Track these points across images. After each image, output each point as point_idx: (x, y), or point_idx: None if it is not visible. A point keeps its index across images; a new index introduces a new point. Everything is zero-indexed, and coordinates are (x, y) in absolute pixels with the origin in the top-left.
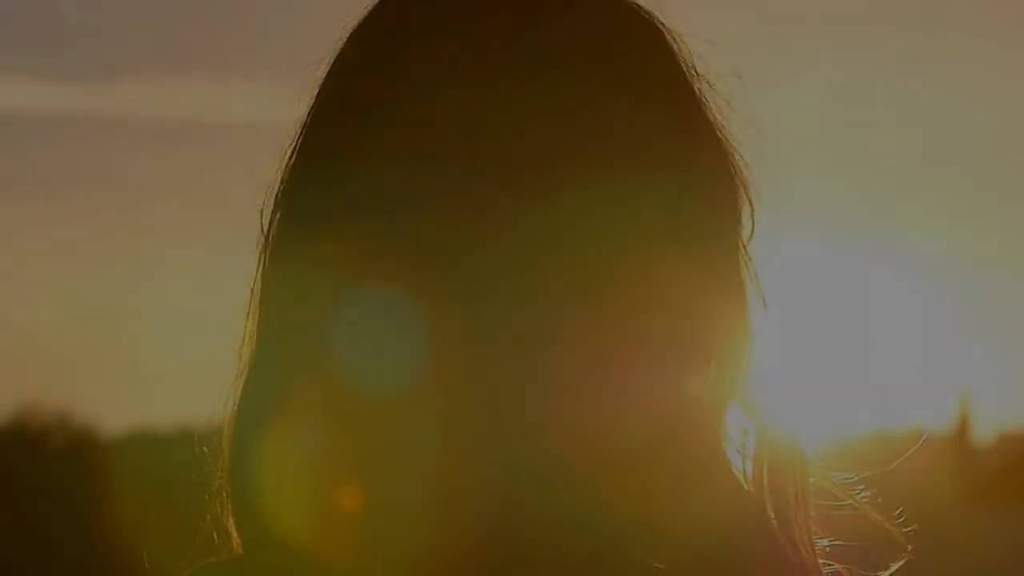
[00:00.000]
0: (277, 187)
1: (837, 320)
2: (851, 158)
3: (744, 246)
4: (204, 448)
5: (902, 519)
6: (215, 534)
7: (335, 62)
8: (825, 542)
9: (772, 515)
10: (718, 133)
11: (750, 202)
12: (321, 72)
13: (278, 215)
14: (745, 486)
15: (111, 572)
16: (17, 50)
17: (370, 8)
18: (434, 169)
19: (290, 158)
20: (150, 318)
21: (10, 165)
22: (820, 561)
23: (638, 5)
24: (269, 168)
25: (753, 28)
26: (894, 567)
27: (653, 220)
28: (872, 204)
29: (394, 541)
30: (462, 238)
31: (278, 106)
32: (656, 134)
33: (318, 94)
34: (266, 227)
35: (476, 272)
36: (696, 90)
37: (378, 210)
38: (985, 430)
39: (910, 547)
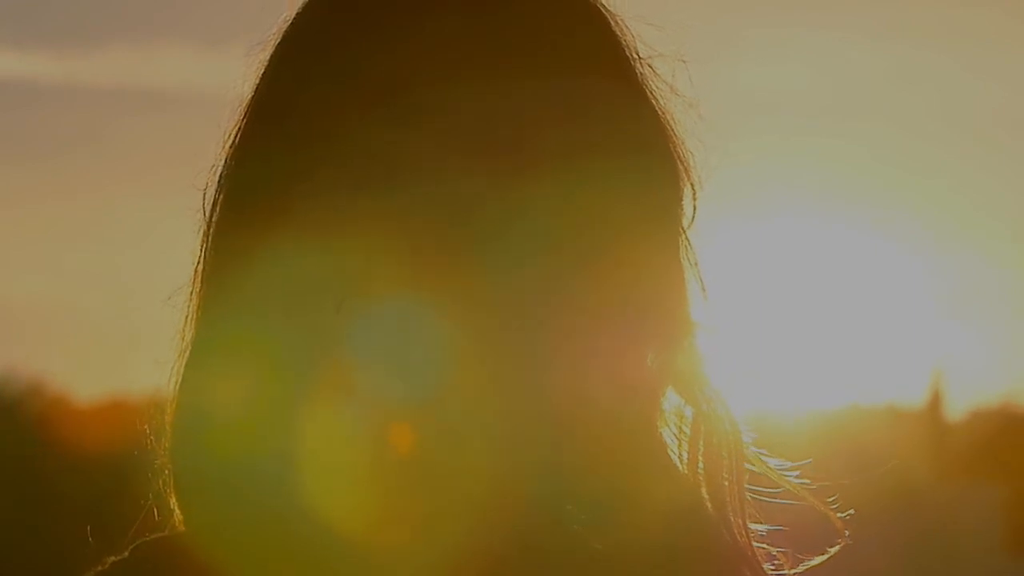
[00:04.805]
0: (221, 170)
1: (813, 297)
2: (833, 132)
3: (684, 231)
4: (145, 426)
5: (837, 505)
6: (156, 511)
7: (281, 43)
8: (763, 527)
9: (706, 498)
10: (661, 119)
11: (692, 187)
12: (265, 54)
13: (221, 197)
14: (680, 468)
15: (83, 540)
16: None
17: None
18: (388, 146)
19: (235, 139)
20: (127, 287)
21: None
22: (755, 544)
23: None
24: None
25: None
26: (831, 551)
27: (594, 206)
28: (855, 179)
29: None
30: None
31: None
32: (599, 121)
33: (263, 75)
34: (208, 210)
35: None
36: (638, 74)
37: (335, 192)
38: (957, 406)
39: (847, 532)
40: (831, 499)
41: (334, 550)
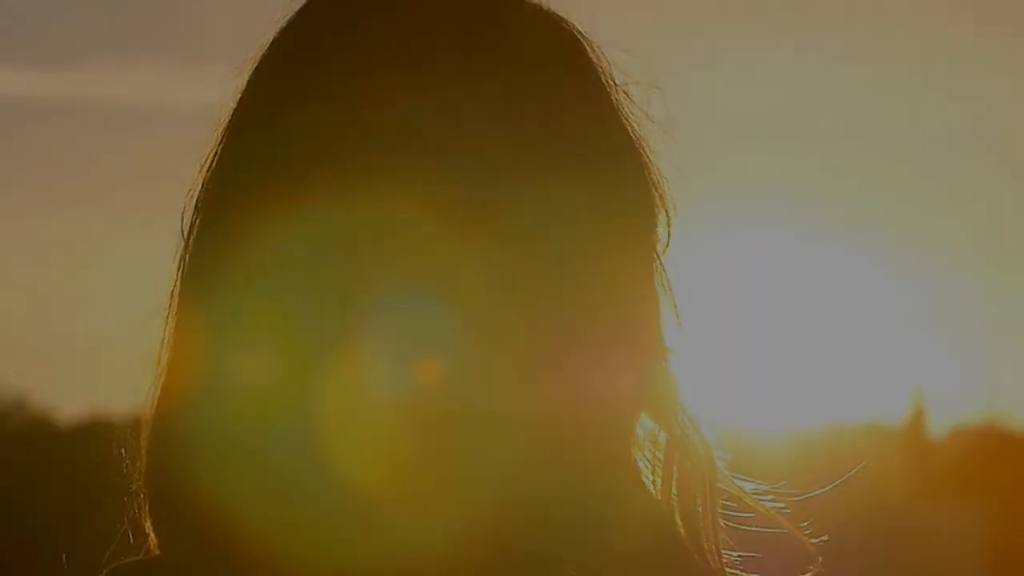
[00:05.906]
0: (198, 193)
1: (795, 315)
2: (812, 151)
3: (659, 257)
4: (122, 450)
5: (811, 531)
6: (131, 535)
7: (257, 69)
8: (738, 553)
9: (680, 522)
10: (636, 145)
11: (666, 213)
12: (242, 80)
13: (198, 220)
14: (653, 493)
15: (64, 556)
16: None
17: (292, 15)
18: (369, 173)
19: (212, 162)
20: (106, 304)
21: None
22: (728, 570)
23: (559, 16)
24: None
25: (725, 16)
26: None
27: (568, 233)
28: (833, 199)
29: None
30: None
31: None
32: (572, 149)
33: (240, 99)
34: (186, 232)
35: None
36: (614, 101)
37: (313, 219)
38: (939, 424)
39: (820, 558)
40: (808, 522)
41: (343, 550)
